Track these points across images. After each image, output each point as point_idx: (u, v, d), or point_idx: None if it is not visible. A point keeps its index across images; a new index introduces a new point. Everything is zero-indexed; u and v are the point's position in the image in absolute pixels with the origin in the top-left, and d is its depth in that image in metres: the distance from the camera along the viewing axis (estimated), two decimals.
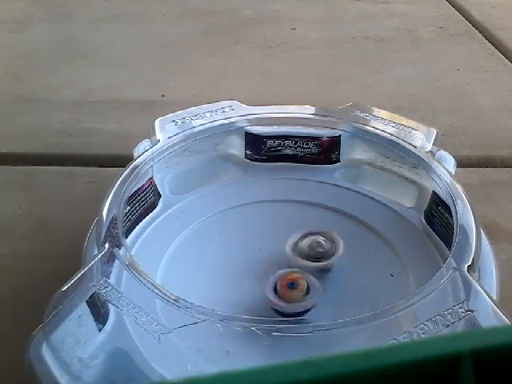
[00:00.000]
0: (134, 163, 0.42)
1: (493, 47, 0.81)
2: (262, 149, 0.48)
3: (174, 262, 0.40)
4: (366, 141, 0.47)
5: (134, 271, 0.34)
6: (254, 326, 0.31)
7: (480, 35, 0.85)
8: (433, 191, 0.43)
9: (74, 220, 0.49)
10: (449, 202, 0.39)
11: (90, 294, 0.32)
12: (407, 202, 0.45)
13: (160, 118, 0.47)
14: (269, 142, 0.48)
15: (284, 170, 0.48)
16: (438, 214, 0.42)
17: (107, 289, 0.33)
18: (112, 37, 0.84)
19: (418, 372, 0.19)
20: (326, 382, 0.18)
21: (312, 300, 0.36)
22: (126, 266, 0.34)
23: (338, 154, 0.48)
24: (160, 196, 0.45)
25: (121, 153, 0.54)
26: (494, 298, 0.34)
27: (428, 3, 0.96)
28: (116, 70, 0.75)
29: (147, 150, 0.44)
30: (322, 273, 0.39)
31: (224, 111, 0.48)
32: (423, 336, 0.30)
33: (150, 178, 0.44)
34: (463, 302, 0.31)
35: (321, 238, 0.40)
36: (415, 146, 0.44)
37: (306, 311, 0.35)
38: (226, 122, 0.47)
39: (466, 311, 0.31)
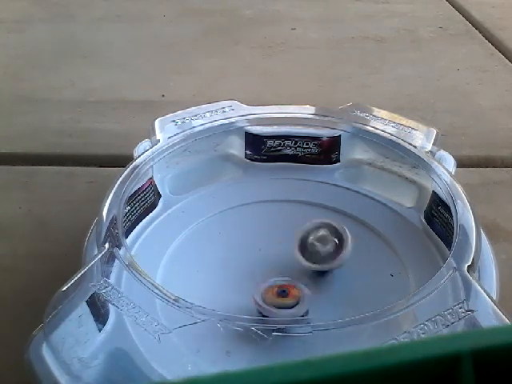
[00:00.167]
0: (133, 163, 0.42)
1: (493, 47, 0.81)
2: (262, 149, 0.48)
3: (174, 262, 0.40)
4: (366, 141, 0.47)
5: (134, 271, 0.34)
6: (253, 326, 0.31)
7: (480, 35, 0.85)
8: (433, 191, 0.43)
9: (74, 220, 0.49)
10: (449, 202, 0.39)
11: (89, 294, 0.32)
12: (407, 201, 0.45)
13: (160, 118, 0.47)
14: (269, 142, 0.48)
15: (284, 169, 0.48)
16: (438, 214, 0.42)
17: (107, 289, 0.33)
18: (112, 37, 0.84)
19: (418, 372, 0.19)
20: (325, 382, 0.18)
21: (302, 308, 0.34)
22: (126, 266, 0.34)
23: (338, 154, 0.48)
24: (160, 196, 0.45)
25: (121, 153, 0.54)
26: (494, 297, 0.34)
27: (428, 3, 0.96)
28: (116, 70, 0.75)
29: (147, 150, 0.44)
30: (322, 275, 0.39)
31: (224, 111, 0.48)
32: (423, 336, 0.30)
33: (150, 178, 0.44)
34: (463, 302, 0.31)
35: (327, 235, 0.39)
36: (415, 146, 0.44)
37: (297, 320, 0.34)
38: (226, 122, 0.47)
39: (466, 311, 0.31)
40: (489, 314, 0.31)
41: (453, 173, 0.42)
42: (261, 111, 0.48)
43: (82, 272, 0.33)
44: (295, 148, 0.48)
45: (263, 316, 0.34)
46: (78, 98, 0.68)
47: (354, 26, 0.88)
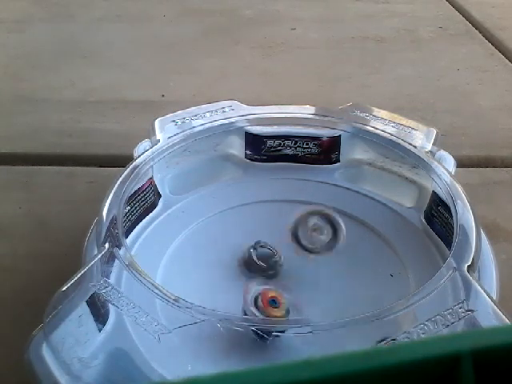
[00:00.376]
0: (134, 163, 0.42)
1: (493, 47, 0.81)
2: (262, 149, 0.48)
3: (174, 262, 0.40)
4: (366, 141, 0.47)
5: (134, 271, 0.34)
6: (253, 326, 0.31)
7: (480, 35, 0.85)
8: (433, 191, 0.43)
9: (74, 220, 0.49)
10: (449, 202, 0.39)
11: (89, 294, 0.32)
12: (407, 202, 0.45)
13: (160, 118, 0.47)
14: (269, 142, 0.48)
15: (284, 170, 0.48)
16: (438, 214, 0.42)
17: (107, 289, 0.33)
18: (112, 37, 0.84)
19: (418, 372, 0.19)
20: (325, 382, 0.18)
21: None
22: (126, 266, 0.34)
23: (338, 154, 0.48)
24: (160, 196, 0.45)
25: (121, 153, 0.54)
26: (494, 298, 0.34)
27: (428, 3, 0.96)
28: (116, 70, 0.75)
29: (147, 150, 0.44)
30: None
31: (224, 111, 0.48)
32: (423, 336, 0.30)
33: (150, 178, 0.44)
34: (463, 302, 0.31)
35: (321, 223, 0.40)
36: (415, 146, 0.44)
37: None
38: (226, 122, 0.47)
39: (466, 311, 0.31)
40: (489, 314, 0.31)
41: (453, 173, 0.42)
42: (261, 111, 0.48)
43: (82, 272, 0.33)
44: (295, 148, 0.48)
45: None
46: (78, 98, 0.68)
47: (354, 26, 0.88)
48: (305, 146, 0.48)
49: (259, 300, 0.35)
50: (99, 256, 0.34)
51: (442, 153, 0.44)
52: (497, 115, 0.65)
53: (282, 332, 0.32)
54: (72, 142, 0.60)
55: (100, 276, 0.33)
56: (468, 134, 0.61)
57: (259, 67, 0.76)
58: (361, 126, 0.47)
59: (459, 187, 0.40)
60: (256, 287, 0.36)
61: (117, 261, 0.34)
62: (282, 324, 0.33)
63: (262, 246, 0.41)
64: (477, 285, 0.32)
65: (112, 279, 0.34)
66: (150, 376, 0.30)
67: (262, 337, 0.32)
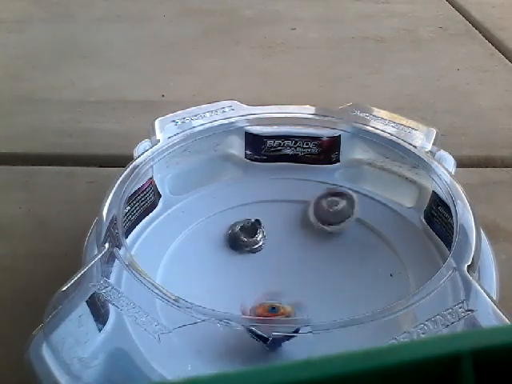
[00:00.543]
0: (133, 163, 0.42)
1: (493, 47, 0.81)
2: (262, 149, 0.48)
3: (174, 262, 0.40)
4: (366, 141, 0.47)
5: (134, 271, 0.34)
6: (253, 326, 0.31)
7: (480, 35, 0.85)
8: (433, 191, 0.43)
9: (74, 220, 0.49)
10: (449, 202, 0.39)
11: (89, 294, 0.32)
12: (407, 201, 0.45)
13: (160, 118, 0.47)
14: (269, 142, 0.48)
15: (284, 170, 0.48)
16: (438, 214, 0.42)
17: (107, 289, 0.33)
18: (112, 37, 0.84)
19: (418, 372, 0.19)
20: (325, 382, 0.18)
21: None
22: (126, 266, 0.34)
23: (338, 154, 0.48)
24: (160, 196, 0.45)
25: (121, 153, 0.54)
26: (494, 298, 0.34)
27: (428, 3, 0.96)
28: (116, 69, 0.75)
29: (147, 150, 0.44)
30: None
31: (224, 111, 0.48)
32: (423, 336, 0.30)
33: (150, 178, 0.44)
34: (463, 302, 0.31)
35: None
36: (415, 146, 0.44)
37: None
38: (226, 122, 0.47)
39: (466, 311, 0.31)
40: (489, 314, 0.31)
41: (453, 173, 0.42)
42: (261, 111, 0.48)
43: (82, 272, 0.33)
44: (295, 148, 0.48)
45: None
46: (78, 98, 0.68)
47: (354, 26, 0.88)
48: (305, 146, 0.48)
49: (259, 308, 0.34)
50: (99, 256, 0.34)
51: (442, 153, 0.44)
52: (497, 115, 0.65)
53: (282, 332, 0.32)
54: (72, 141, 0.60)
55: (100, 276, 0.33)
56: (468, 134, 0.61)
57: (259, 67, 0.76)
58: (361, 125, 0.47)
59: (459, 187, 0.40)
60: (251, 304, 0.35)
61: (117, 261, 0.34)
62: (281, 324, 0.33)
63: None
64: (477, 285, 0.32)
65: (112, 279, 0.34)
66: (150, 376, 0.30)
67: (262, 337, 0.32)
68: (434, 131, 0.46)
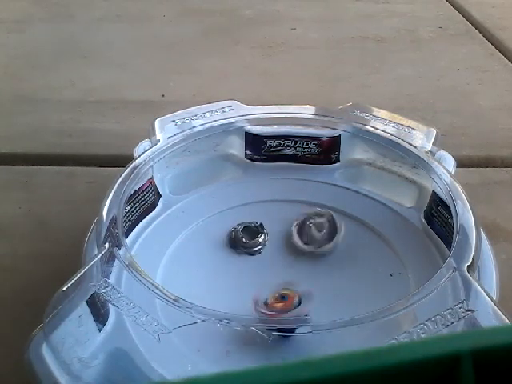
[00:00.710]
0: (133, 163, 0.42)
1: (493, 47, 0.81)
2: (262, 149, 0.48)
3: (174, 262, 0.40)
4: (366, 141, 0.47)
5: (134, 271, 0.34)
6: (253, 326, 0.31)
7: (480, 35, 0.85)
8: (433, 191, 0.43)
9: (74, 220, 0.49)
10: (449, 202, 0.39)
11: (89, 294, 0.32)
12: (407, 201, 0.45)
13: (160, 118, 0.47)
14: (269, 142, 0.48)
15: (284, 170, 0.48)
16: (438, 214, 0.42)
17: (107, 289, 0.33)
18: (112, 37, 0.84)
19: (417, 372, 0.19)
20: (325, 382, 0.18)
21: (304, 310, 0.35)
22: (126, 266, 0.34)
23: (338, 154, 0.48)
24: (160, 196, 0.45)
25: (121, 153, 0.54)
26: (494, 298, 0.34)
27: (428, 3, 0.96)
28: (116, 69, 0.75)
29: (147, 150, 0.44)
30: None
31: (224, 111, 0.48)
32: (423, 336, 0.30)
33: (150, 178, 0.44)
34: (463, 302, 0.31)
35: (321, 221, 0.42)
36: (415, 146, 0.44)
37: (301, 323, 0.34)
38: (226, 122, 0.47)
39: (466, 311, 0.31)
40: (489, 314, 0.31)
41: (453, 173, 0.42)
42: (261, 111, 0.48)
43: (82, 272, 0.33)
44: (295, 148, 0.48)
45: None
46: (78, 98, 0.68)
47: (354, 26, 0.88)
48: (305, 146, 0.48)
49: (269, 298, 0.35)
50: (99, 256, 0.34)
51: (442, 153, 0.44)
52: (497, 115, 0.65)
53: (282, 332, 0.32)
54: (72, 141, 0.60)
55: (100, 276, 0.33)
56: (468, 134, 0.61)
57: (259, 67, 0.76)
58: (361, 125, 0.47)
59: (459, 187, 0.40)
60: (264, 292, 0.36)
61: (117, 261, 0.34)
62: (281, 324, 0.33)
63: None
64: (477, 285, 0.32)
65: (112, 279, 0.34)
66: (150, 376, 0.30)
67: (262, 337, 0.32)
68: (434, 131, 0.46)
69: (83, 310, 0.32)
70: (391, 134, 0.46)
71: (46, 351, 0.30)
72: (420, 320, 0.31)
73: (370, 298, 0.37)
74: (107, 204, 0.38)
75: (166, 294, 0.32)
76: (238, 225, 0.43)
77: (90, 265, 0.34)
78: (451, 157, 0.44)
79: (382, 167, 0.47)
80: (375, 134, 0.46)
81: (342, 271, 0.40)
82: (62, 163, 0.57)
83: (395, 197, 0.46)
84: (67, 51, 0.80)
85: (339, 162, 0.48)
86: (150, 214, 0.44)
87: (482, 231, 0.38)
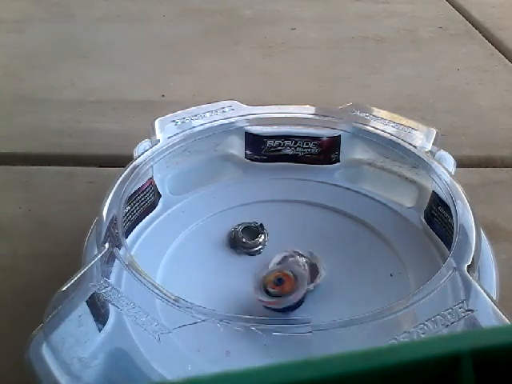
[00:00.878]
0: (133, 163, 0.42)
1: (493, 47, 0.81)
2: (262, 149, 0.48)
3: (174, 262, 0.40)
4: (366, 141, 0.47)
5: (134, 271, 0.34)
6: (253, 326, 0.31)
7: (480, 35, 0.85)
8: (433, 191, 0.43)
9: (74, 220, 0.49)
10: (449, 202, 0.39)
11: (89, 294, 0.32)
12: (407, 202, 0.45)
13: (160, 118, 0.47)
14: (269, 141, 0.48)
15: (284, 170, 0.48)
16: (438, 214, 0.42)
17: (107, 289, 0.33)
18: (112, 37, 0.84)
19: (417, 372, 0.19)
20: (325, 382, 0.18)
21: (301, 291, 0.36)
22: (126, 266, 0.34)
23: (338, 154, 0.48)
24: (160, 196, 0.45)
25: (121, 153, 0.54)
26: (494, 298, 0.34)
27: (428, 3, 0.96)
28: (116, 69, 0.75)
29: (147, 150, 0.44)
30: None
31: (224, 111, 0.48)
32: (423, 336, 0.30)
33: (150, 178, 0.44)
34: (463, 302, 0.31)
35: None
36: (415, 146, 0.44)
37: (299, 303, 0.36)
38: (226, 122, 0.47)
39: (466, 311, 0.31)
40: (489, 314, 0.31)
41: (453, 173, 0.42)
42: (261, 111, 0.48)
43: (82, 272, 0.33)
44: (295, 148, 0.48)
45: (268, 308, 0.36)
46: (78, 98, 0.68)
47: (354, 26, 0.88)
48: (305, 146, 0.48)
49: (267, 278, 0.37)
50: (99, 256, 0.34)
51: (442, 153, 0.44)
52: (497, 115, 0.65)
53: (282, 332, 0.32)
54: (72, 141, 0.60)
55: (100, 276, 0.33)
56: (468, 134, 0.61)
57: (259, 67, 0.76)
58: (361, 125, 0.47)
59: (459, 187, 0.40)
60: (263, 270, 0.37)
61: (117, 261, 0.34)
62: (281, 324, 0.33)
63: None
64: (477, 285, 0.32)
65: (112, 279, 0.34)
66: (150, 376, 0.30)
67: (262, 337, 0.32)
68: (434, 131, 0.46)
69: (83, 310, 0.32)
70: (391, 134, 0.46)
71: (46, 351, 0.30)
72: (420, 320, 0.31)
73: (370, 298, 0.37)
74: (107, 204, 0.38)
75: (165, 294, 0.32)
76: (238, 225, 0.43)
77: (90, 265, 0.34)
78: (451, 157, 0.44)
79: (382, 167, 0.47)
80: (375, 134, 0.46)
81: (342, 271, 0.40)
82: (62, 163, 0.57)
83: (395, 197, 0.46)
84: (67, 51, 0.80)
85: (339, 162, 0.48)
86: (150, 214, 0.44)
87: (482, 231, 0.38)
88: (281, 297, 0.36)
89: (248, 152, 0.49)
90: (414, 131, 0.46)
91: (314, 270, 0.39)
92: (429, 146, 0.44)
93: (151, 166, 0.43)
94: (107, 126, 0.63)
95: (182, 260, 0.41)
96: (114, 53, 0.80)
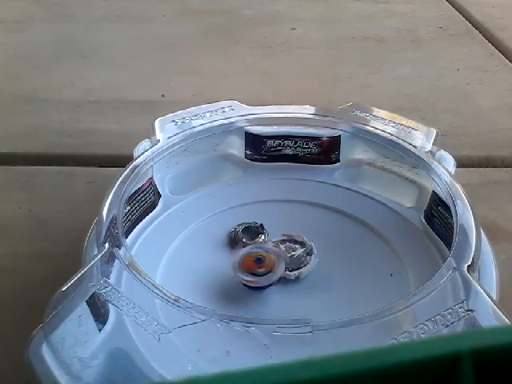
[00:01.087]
0: (133, 163, 0.42)
1: (493, 47, 0.81)
2: (262, 149, 0.48)
3: (174, 262, 0.40)
4: (366, 141, 0.47)
5: (134, 271, 0.34)
6: (253, 326, 0.31)
7: (480, 35, 0.85)
8: (433, 191, 0.43)
9: (74, 220, 0.49)
10: (449, 202, 0.39)
11: (89, 294, 0.32)
12: (407, 201, 0.45)
13: (160, 118, 0.47)
14: (269, 142, 0.48)
15: (284, 170, 0.48)
16: (438, 214, 0.42)
17: (107, 289, 0.33)
18: (112, 37, 0.84)
19: (417, 372, 0.19)
20: (325, 382, 0.18)
21: (278, 271, 0.37)
22: (126, 266, 0.34)
23: (338, 154, 0.48)
24: (160, 196, 0.45)
25: (121, 153, 0.54)
26: (494, 298, 0.34)
27: (428, 3, 0.96)
28: (116, 69, 0.75)
29: (147, 150, 0.44)
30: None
31: (224, 111, 0.48)
32: (423, 336, 0.30)
33: (150, 178, 0.44)
34: (463, 302, 0.31)
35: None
36: (415, 146, 0.44)
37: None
38: (226, 122, 0.47)
39: (466, 311, 0.31)
40: (489, 314, 0.31)
41: (453, 173, 0.42)
42: (261, 111, 0.48)
43: (82, 272, 0.33)
44: (295, 148, 0.48)
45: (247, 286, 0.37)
46: (78, 98, 0.68)
47: (354, 26, 0.88)
48: (305, 146, 0.48)
49: (246, 259, 0.38)
50: (99, 256, 0.34)
51: (442, 153, 0.44)
52: (497, 115, 0.65)
53: (282, 332, 0.32)
54: (72, 141, 0.60)
55: (100, 276, 0.33)
56: (468, 134, 0.61)
57: (259, 67, 0.76)
58: (361, 125, 0.47)
59: (459, 187, 0.40)
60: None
61: (117, 261, 0.34)
62: (281, 324, 0.32)
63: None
64: (477, 285, 0.32)
65: (112, 279, 0.34)
66: (150, 376, 0.30)
67: (262, 337, 0.32)
68: (434, 131, 0.46)
69: (83, 310, 0.32)
70: (391, 134, 0.46)
71: (46, 351, 0.30)
72: (420, 320, 0.31)
73: (370, 298, 0.37)
74: (107, 204, 0.38)
75: (165, 294, 0.32)
76: (238, 225, 0.43)
77: (90, 265, 0.34)
78: (451, 157, 0.44)
79: (382, 167, 0.47)
80: (375, 134, 0.46)
81: (342, 271, 0.40)
82: (62, 163, 0.57)
83: (395, 197, 0.46)
84: (67, 51, 0.80)
85: (339, 162, 0.48)
86: (150, 214, 0.44)
87: (482, 231, 0.38)
88: (262, 276, 0.37)
89: (248, 152, 0.49)
90: (413, 131, 0.46)
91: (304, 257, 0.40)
92: (429, 146, 0.44)
93: (151, 166, 0.43)
94: (107, 126, 0.63)
95: (182, 260, 0.41)
96: (114, 53, 0.80)
